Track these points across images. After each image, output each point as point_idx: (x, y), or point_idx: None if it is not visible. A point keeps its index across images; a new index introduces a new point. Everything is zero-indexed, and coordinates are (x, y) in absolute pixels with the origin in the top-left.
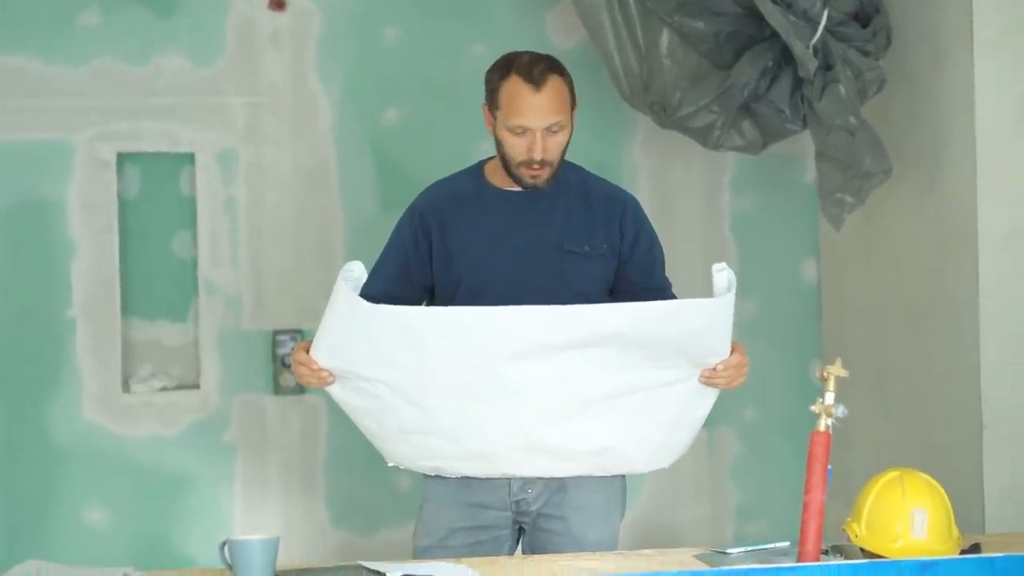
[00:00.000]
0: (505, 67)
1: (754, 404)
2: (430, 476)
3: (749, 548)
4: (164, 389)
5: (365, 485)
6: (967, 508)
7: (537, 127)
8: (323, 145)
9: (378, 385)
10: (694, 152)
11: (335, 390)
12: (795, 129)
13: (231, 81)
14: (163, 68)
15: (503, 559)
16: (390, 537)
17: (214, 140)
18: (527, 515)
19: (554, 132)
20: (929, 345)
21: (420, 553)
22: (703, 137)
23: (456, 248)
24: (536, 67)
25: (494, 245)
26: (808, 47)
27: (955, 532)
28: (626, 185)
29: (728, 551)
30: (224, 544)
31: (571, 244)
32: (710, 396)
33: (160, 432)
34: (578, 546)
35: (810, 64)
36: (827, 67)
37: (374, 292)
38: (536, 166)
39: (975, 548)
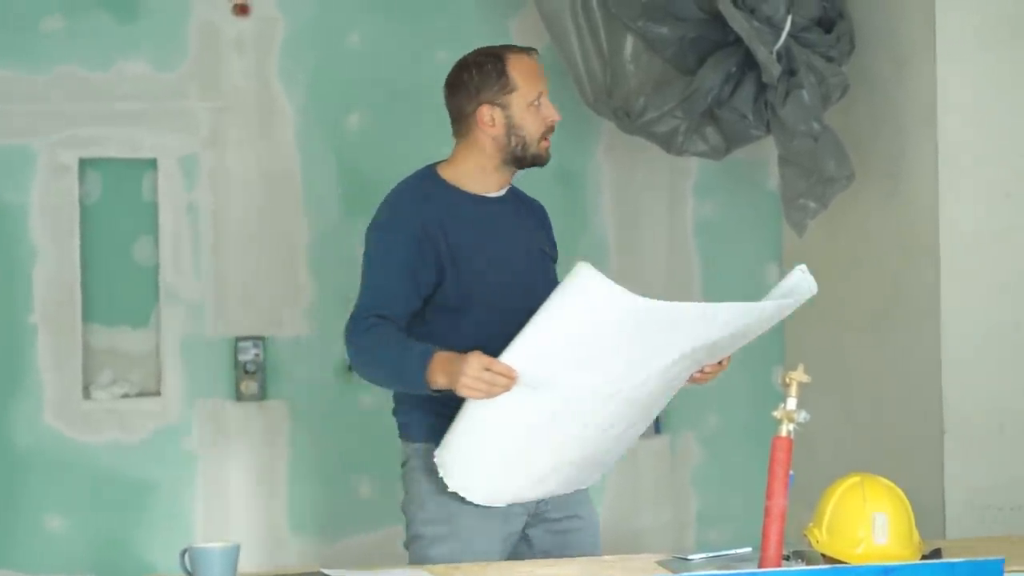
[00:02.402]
0: (495, 54)
1: (716, 410)
2: (467, 511)
3: (711, 554)
4: (125, 396)
5: (327, 492)
6: (928, 513)
7: (546, 91)
8: (286, 150)
9: (558, 392)
10: (658, 158)
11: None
12: (758, 134)
13: (194, 86)
14: (125, 73)
15: (466, 566)
16: (352, 544)
17: (177, 145)
18: (542, 520)
19: None
20: (891, 350)
21: None
22: (667, 142)
23: (463, 257)
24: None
25: (498, 253)
26: (772, 53)
27: (916, 537)
28: (590, 191)
29: (690, 557)
30: (185, 552)
31: (545, 247)
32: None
33: (121, 439)
34: (595, 535)
35: (773, 70)
36: (790, 73)
37: (399, 313)
38: (550, 134)
39: (936, 553)
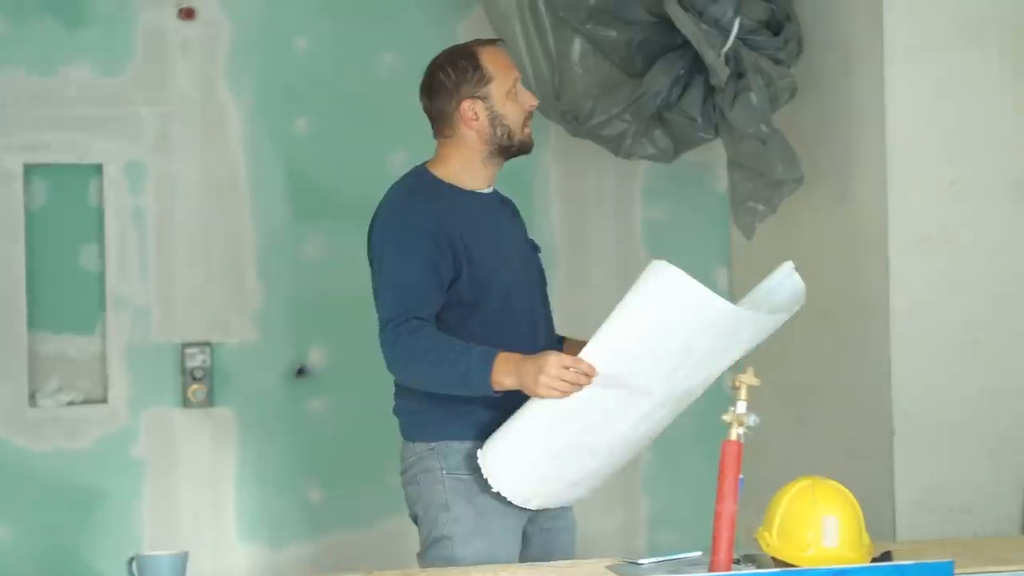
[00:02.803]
0: (466, 50)
1: None
2: (494, 509)
3: (661, 558)
4: (71, 403)
5: (275, 499)
6: (878, 516)
7: (519, 76)
8: (233, 155)
9: (623, 392)
10: (606, 161)
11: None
12: (707, 137)
13: (140, 91)
14: (71, 78)
15: (414, 571)
16: (299, 550)
17: (123, 151)
18: (538, 519)
19: None
20: (840, 353)
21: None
22: (615, 146)
23: (475, 254)
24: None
25: (502, 249)
26: (720, 55)
27: (866, 540)
28: (538, 194)
29: (640, 561)
30: (132, 560)
31: (529, 241)
32: None
33: (67, 447)
34: (574, 535)
35: (722, 72)
36: (739, 75)
37: (431, 312)
38: (531, 119)
39: (886, 556)
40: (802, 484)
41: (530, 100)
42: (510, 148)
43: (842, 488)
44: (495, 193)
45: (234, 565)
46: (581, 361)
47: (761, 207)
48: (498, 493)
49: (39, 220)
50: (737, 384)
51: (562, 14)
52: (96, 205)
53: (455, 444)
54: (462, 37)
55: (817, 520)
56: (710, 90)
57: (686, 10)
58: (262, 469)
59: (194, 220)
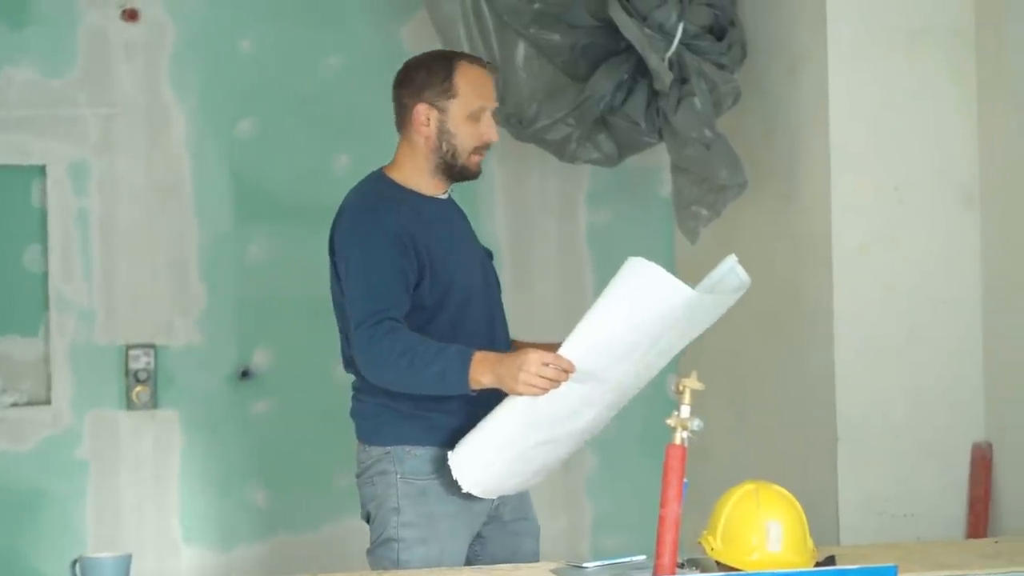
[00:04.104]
0: (447, 58)
1: None
2: (444, 515)
3: (606, 562)
4: (15, 405)
5: (219, 501)
6: (822, 520)
7: (492, 108)
8: (177, 156)
9: (594, 385)
10: (550, 165)
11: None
12: (651, 142)
13: (84, 92)
14: (14, 79)
15: (359, 572)
16: (244, 553)
17: (66, 152)
18: (497, 521)
19: None
20: (784, 358)
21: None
22: (559, 150)
23: (437, 259)
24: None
25: (461, 253)
26: (663, 60)
27: (810, 544)
28: (483, 198)
29: (584, 565)
30: (75, 562)
31: (485, 248)
32: None
33: (11, 448)
34: (537, 536)
35: (665, 77)
36: (682, 80)
37: (402, 314)
38: (484, 151)
39: (830, 560)
40: (746, 488)
41: (490, 134)
42: (453, 168)
43: (786, 492)
44: (451, 199)
45: (178, 567)
46: (561, 358)
47: (705, 211)
48: (453, 498)
49: None
50: (681, 388)
51: (506, 18)
52: (39, 206)
53: (411, 449)
54: (406, 41)
55: (761, 524)
56: (654, 95)
57: (630, 15)
58: (206, 471)
59: (138, 221)
